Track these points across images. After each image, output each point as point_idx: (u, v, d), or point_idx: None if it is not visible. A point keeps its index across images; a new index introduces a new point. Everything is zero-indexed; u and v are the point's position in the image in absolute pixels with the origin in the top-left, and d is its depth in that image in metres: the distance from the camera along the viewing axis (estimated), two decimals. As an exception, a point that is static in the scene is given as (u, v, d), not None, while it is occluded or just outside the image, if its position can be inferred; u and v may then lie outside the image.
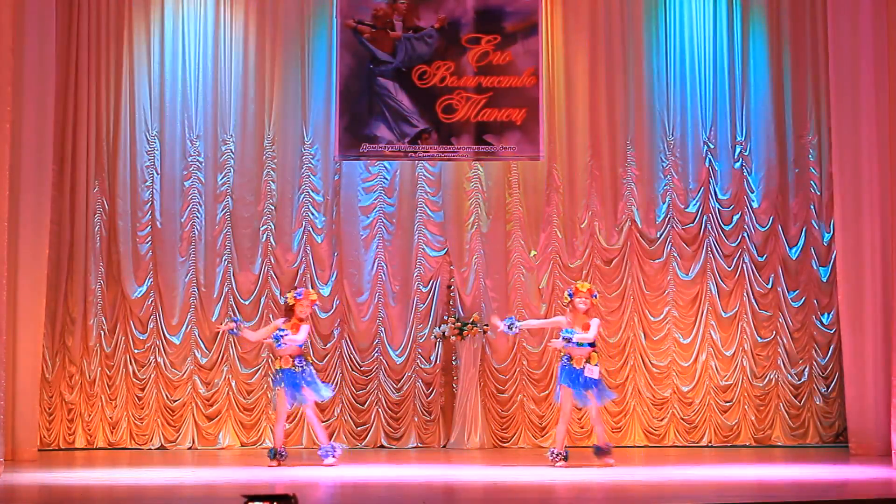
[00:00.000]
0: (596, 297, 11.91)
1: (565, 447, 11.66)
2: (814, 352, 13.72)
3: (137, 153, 13.67)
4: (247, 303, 13.66)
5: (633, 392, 13.60)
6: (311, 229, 13.79)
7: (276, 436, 12.10)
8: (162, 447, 13.47)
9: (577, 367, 11.52)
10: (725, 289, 13.79)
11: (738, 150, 13.88)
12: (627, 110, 13.87)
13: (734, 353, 13.73)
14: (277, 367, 11.98)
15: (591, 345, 11.63)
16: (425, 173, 13.87)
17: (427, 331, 13.65)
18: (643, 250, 13.82)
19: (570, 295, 11.75)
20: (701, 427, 13.68)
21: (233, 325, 12.16)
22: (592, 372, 11.50)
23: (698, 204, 13.85)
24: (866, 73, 12.40)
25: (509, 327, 11.91)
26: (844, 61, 12.71)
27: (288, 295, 12.13)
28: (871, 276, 12.56)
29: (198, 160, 13.72)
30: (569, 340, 11.52)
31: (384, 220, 13.82)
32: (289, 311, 11.99)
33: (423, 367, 13.62)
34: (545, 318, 13.66)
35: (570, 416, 11.84)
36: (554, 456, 11.58)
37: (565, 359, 11.60)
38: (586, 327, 11.59)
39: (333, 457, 11.77)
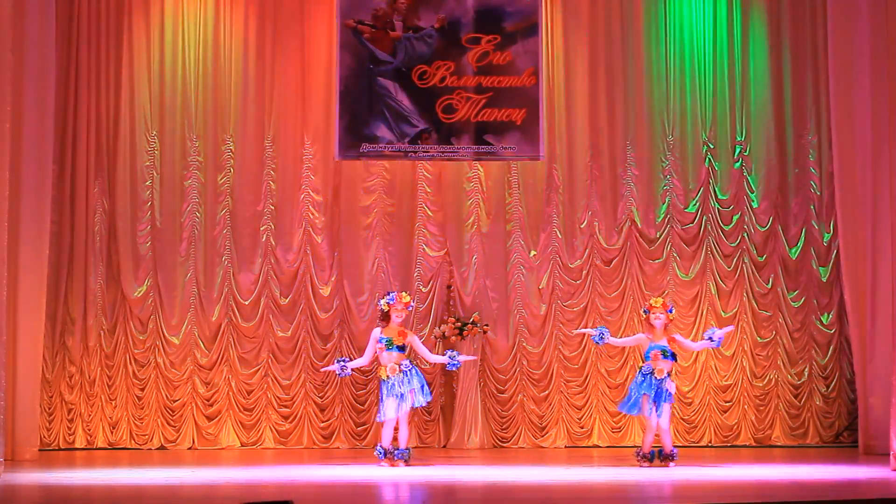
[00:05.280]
0: (672, 311, 11.82)
1: (651, 448, 11.60)
2: (814, 352, 13.72)
3: (137, 153, 13.66)
4: (247, 303, 13.66)
5: (633, 392, 13.59)
6: (311, 229, 13.79)
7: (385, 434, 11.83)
8: (162, 447, 13.47)
9: (659, 378, 11.50)
10: (725, 289, 13.80)
11: (738, 150, 13.89)
12: (627, 110, 13.88)
13: (734, 353, 13.74)
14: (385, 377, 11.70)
15: (674, 358, 11.61)
16: (425, 173, 13.87)
17: (427, 331, 13.65)
18: (643, 250, 13.83)
19: (645, 312, 11.74)
20: (701, 427, 13.68)
21: (337, 367, 11.94)
22: (671, 387, 11.54)
23: (698, 204, 13.85)
24: (866, 72, 12.40)
25: (600, 336, 11.82)
26: (844, 61, 12.73)
27: (381, 301, 11.89)
28: (871, 275, 12.56)
29: (198, 160, 13.72)
30: (712, 339, 11.70)
31: (384, 220, 13.82)
32: (385, 317, 11.80)
33: (423, 367, 13.59)
34: (544, 318, 13.69)
35: (655, 424, 11.57)
36: (641, 458, 11.55)
37: (647, 368, 11.55)
38: (671, 342, 11.58)
39: (404, 461, 11.65)
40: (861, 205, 12.65)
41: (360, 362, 12.12)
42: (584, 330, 12.41)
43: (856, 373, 12.97)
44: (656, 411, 11.44)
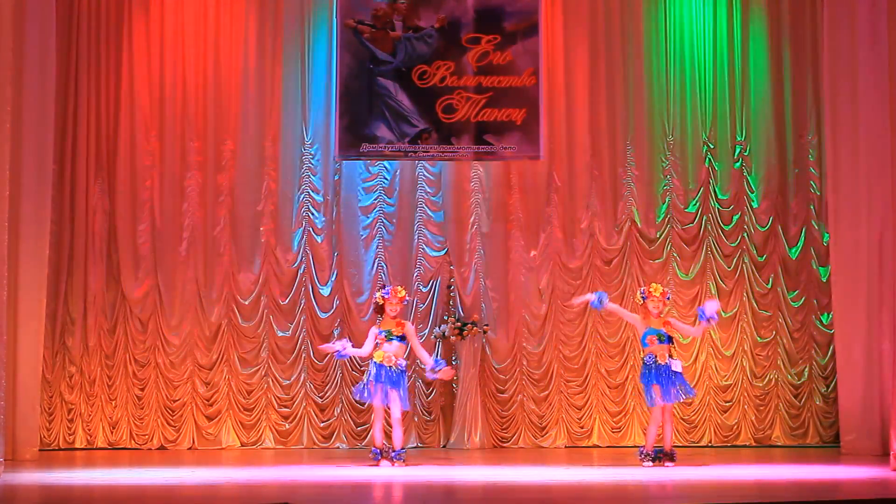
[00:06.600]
0: (670, 298, 11.81)
1: (654, 447, 11.60)
2: (813, 352, 13.73)
3: (137, 153, 13.67)
4: (247, 303, 13.66)
5: (633, 392, 13.59)
6: (311, 229, 13.79)
7: (374, 435, 11.87)
8: (162, 447, 13.47)
9: (663, 364, 11.49)
10: (725, 289, 13.80)
11: (738, 150, 13.89)
12: (627, 110, 13.88)
13: (734, 353, 13.74)
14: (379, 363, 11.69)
15: (670, 341, 11.63)
16: (425, 173, 13.87)
17: (427, 331, 13.65)
18: (643, 250, 13.83)
19: (643, 297, 11.71)
20: (701, 427, 13.69)
21: (339, 345, 11.89)
22: (677, 366, 11.53)
23: (698, 204, 13.86)
24: (863, 72, 12.38)
25: (599, 301, 11.79)
26: (841, 60, 12.72)
27: (377, 295, 11.92)
28: (867, 275, 12.54)
29: (198, 160, 13.72)
30: (709, 320, 11.63)
31: (384, 220, 13.83)
32: (380, 310, 11.83)
33: (423, 367, 13.60)
34: (544, 318, 13.69)
35: (661, 417, 11.57)
36: (643, 456, 11.56)
37: (649, 358, 11.55)
38: (667, 325, 11.59)
39: (402, 461, 11.67)
40: (857, 204, 12.63)
41: (359, 352, 11.97)
42: (583, 297, 12.28)
43: (839, 371, 12.92)
44: (670, 396, 11.43)
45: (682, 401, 11.73)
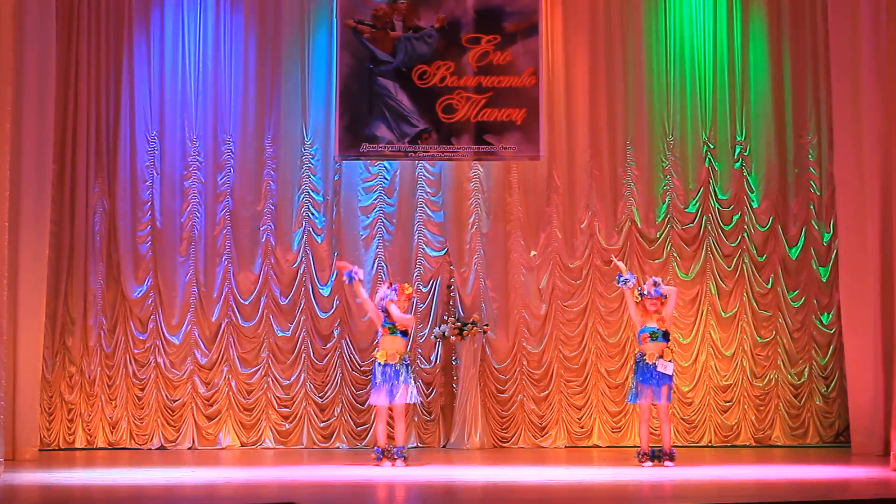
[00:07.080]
0: (666, 297, 11.79)
1: (650, 446, 11.57)
2: (813, 352, 13.73)
3: (137, 153, 13.67)
4: (247, 303, 13.66)
5: (633, 392, 13.59)
6: (311, 229, 13.79)
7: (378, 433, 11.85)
8: (162, 447, 13.47)
9: (650, 363, 11.48)
10: (725, 289, 13.81)
11: (738, 150, 13.90)
12: (627, 110, 13.89)
13: (734, 353, 13.74)
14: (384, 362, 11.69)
15: (666, 339, 11.59)
16: (425, 173, 13.88)
17: (427, 331, 13.65)
18: (643, 250, 13.83)
19: (640, 295, 11.70)
20: (701, 427, 13.69)
21: (352, 268, 11.85)
22: (666, 368, 11.47)
23: (698, 204, 13.86)
24: (867, 71, 12.38)
25: (624, 281, 11.73)
26: (844, 60, 12.71)
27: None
28: (872, 275, 12.53)
29: (198, 160, 13.73)
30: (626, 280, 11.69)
31: (384, 220, 13.83)
32: (385, 309, 11.81)
33: (423, 367, 13.62)
34: (544, 318, 13.70)
35: (648, 414, 11.59)
36: (641, 456, 11.54)
37: (639, 356, 11.55)
38: (661, 321, 11.55)
39: (403, 459, 11.66)
40: (862, 204, 12.62)
41: (364, 295, 11.97)
42: (621, 264, 12.19)
43: (847, 372, 12.92)
44: (654, 397, 11.42)
45: (659, 403, 11.54)
